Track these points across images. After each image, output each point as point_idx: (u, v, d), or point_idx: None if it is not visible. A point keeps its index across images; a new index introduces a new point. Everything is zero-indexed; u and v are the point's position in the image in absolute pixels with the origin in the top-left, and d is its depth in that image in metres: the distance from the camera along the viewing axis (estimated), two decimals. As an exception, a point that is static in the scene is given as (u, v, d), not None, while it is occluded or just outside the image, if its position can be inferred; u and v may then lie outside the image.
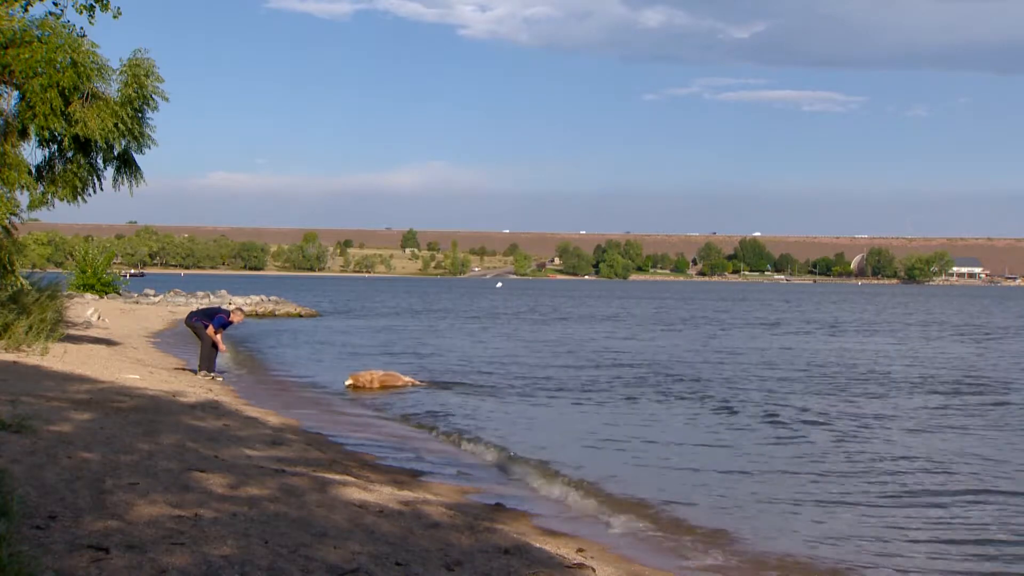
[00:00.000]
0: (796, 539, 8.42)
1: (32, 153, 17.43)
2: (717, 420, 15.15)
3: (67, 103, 16.13)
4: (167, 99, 17.53)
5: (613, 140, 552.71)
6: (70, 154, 17.47)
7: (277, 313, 45.16)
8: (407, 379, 18.89)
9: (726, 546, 8.16)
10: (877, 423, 15.02)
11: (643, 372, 22.24)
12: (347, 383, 18.41)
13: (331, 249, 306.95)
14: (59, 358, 16.19)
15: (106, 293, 43.39)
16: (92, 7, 17.47)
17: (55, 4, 17.68)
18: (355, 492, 7.98)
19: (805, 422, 14.91)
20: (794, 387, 19.60)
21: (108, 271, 46.04)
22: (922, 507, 9.65)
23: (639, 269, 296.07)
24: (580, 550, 7.52)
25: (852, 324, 47.79)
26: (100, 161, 18.05)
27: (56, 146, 17.50)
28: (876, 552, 8.09)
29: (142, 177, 18.56)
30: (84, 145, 17.07)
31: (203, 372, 17.73)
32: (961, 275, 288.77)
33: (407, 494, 8.51)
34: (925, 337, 37.60)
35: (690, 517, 9.01)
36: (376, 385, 18.20)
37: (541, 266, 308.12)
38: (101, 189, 18.21)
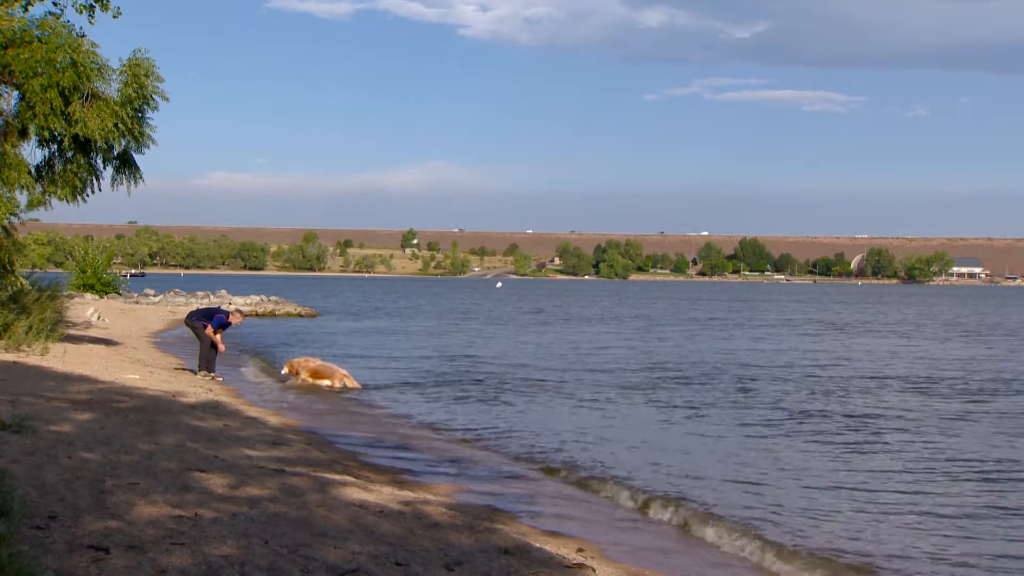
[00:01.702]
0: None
1: (32, 153, 17.46)
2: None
3: (67, 103, 16.13)
4: (167, 99, 17.57)
5: (613, 140, 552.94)
6: (70, 154, 17.47)
7: (277, 313, 45.17)
8: (343, 373, 18.16)
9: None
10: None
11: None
12: (283, 371, 18.52)
13: (331, 249, 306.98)
14: (59, 358, 16.19)
15: (106, 293, 43.39)
16: (92, 7, 17.48)
17: (55, 4, 17.72)
18: (355, 492, 7.98)
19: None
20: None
21: (108, 271, 46.06)
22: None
23: (639, 269, 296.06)
24: (580, 550, 7.52)
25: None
26: (100, 161, 18.06)
27: (56, 146, 17.51)
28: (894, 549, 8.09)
29: (141, 177, 18.57)
30: (84, 145, 17.08)
31: (203, 372, 17.73)
32: (961, 275, 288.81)
33: (407, 494, 8.51)
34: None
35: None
36: (309, 374, 17.89)
37: (541, 266, 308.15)
38: (100, 189, 18.23)
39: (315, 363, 18.40)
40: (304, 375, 18.05)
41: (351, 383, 18.02)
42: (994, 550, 8.19)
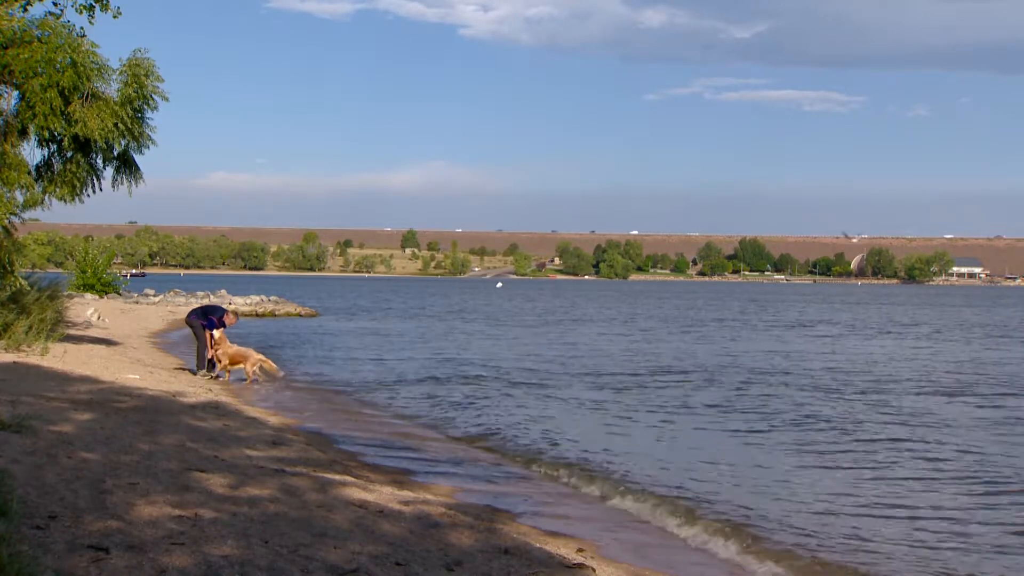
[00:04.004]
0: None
1: (31, 153, 17.46)
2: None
3: (67, 103, 16.13)
4: (167, 99, 17.56)
5: (613, 140, 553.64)
6: (69, 154, 17.47)
7: (277, 313, 45.16)
8: (259, 356, 17.74)
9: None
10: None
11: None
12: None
13: (331, 249, 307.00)
14: (59, 358, 16.18)
15: (106, 293, 43.39)
16: (92, 7, 17.48)
17: (55, 4, 17.71)
18: (355, 492, 7.98)
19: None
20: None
21: (108, 271, 46.05)
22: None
23: (639, 269, 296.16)
24: (580, 550, 7.51)
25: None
26: (100, 161, 18.06)
27: (56, 146, 17.51)
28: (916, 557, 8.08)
29: (141, 177, 18.56)
30: (84, 145, 17.08)
31: (202, 372, 17.72)
32: (961, 275, 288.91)
33: (407, 494, 8.50)
34: None
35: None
36: (225, 360, 17.47)
37: (541, 266, 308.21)
38: (100, 189, 18.23)
39: (232, 349, 17.78)
40: (225, 363, 17.57)
41: (269, 366, 17.70)
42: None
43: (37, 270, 50.54)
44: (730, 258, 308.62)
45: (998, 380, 21.51)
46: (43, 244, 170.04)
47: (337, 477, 8.75)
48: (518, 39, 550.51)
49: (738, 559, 7.90)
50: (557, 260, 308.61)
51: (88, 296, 39.45)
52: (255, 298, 48.75)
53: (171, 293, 50.59)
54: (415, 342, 31.11)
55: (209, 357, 17.88)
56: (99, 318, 28.24)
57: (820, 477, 10.97)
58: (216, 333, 17.56)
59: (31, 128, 16.43)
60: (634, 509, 9.41)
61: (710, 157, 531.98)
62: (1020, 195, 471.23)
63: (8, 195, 16.74)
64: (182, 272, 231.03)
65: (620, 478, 10.62)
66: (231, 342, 18.31)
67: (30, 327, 17.27)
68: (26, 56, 15.71)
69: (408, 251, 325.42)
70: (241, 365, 17.67)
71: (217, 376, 17.61)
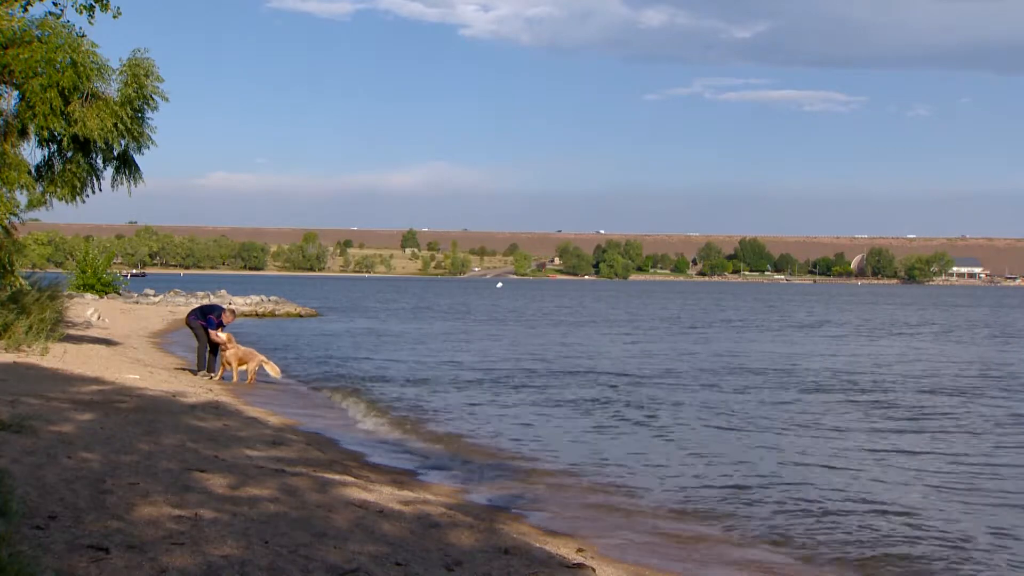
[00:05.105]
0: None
1: (32, 153, 17.45)
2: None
3: (67, 103, 16.13)
4: (167, 99, 17.55)
5: (614, 140, 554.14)
6: (69, 154, 17.47)
7: (277, 313, 45.17)
8: (262, 358, 17.84)
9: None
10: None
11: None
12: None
13: (331, 249, 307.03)
14: (59, 358, 16.18)
15: (106, 293, 43.40)
16: (92, 7, 17.47)
17: (55, 4, 17.71)
18: (355, 492, 7.98)
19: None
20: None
21: (108, 271, 46.05)
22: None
23: (639, 269, 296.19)
24: (580, 550, 7.51)
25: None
26: (100, 161, 18.06)
27: (56, 146, 17.51)
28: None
29: (141, 177, 18.56)
30: (84, 145, 17.08)
31: (202, 372, 17.72)
32: (961, 275, 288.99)
33: (407, 494, 8.50)
34: None
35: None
36: (234, 362, 17.50)
37: (541, 266, 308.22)
38: (100, 189, 18.23)
39: (242, 351, 17.87)
40: (233, 363, 17.62)
41: (271, 368, 17.75)
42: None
43: (37, 270, 50.45)
44: (730, 258, 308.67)
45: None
46: (43, 244, 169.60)
47: (337, 477, 8.75)
48: (518, 39, 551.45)
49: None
50: (557, 260, 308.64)
51: (88, 296, 39.44)
52: (255, 298, 48.75)
53: (171, 293, 50.58)
54: (415, 343, 31.12)
55: (211, 352, 17.90)
56: (99, 318, 28.25)
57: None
58: (222, 335, 17.61)
59: (31, 128, 16.42)
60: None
61: (710, 157, 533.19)
62: (1020, 195, 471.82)
63: (8, 195, 16.74)
64: (182, 272, 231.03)
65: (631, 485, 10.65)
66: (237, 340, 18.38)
67: (30, 327, 17.26)
68: (26, 56, 15.71)
69: (408, 251, 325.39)
70: (245, 366, 17.72)
71: (212, 375, 17.60)
